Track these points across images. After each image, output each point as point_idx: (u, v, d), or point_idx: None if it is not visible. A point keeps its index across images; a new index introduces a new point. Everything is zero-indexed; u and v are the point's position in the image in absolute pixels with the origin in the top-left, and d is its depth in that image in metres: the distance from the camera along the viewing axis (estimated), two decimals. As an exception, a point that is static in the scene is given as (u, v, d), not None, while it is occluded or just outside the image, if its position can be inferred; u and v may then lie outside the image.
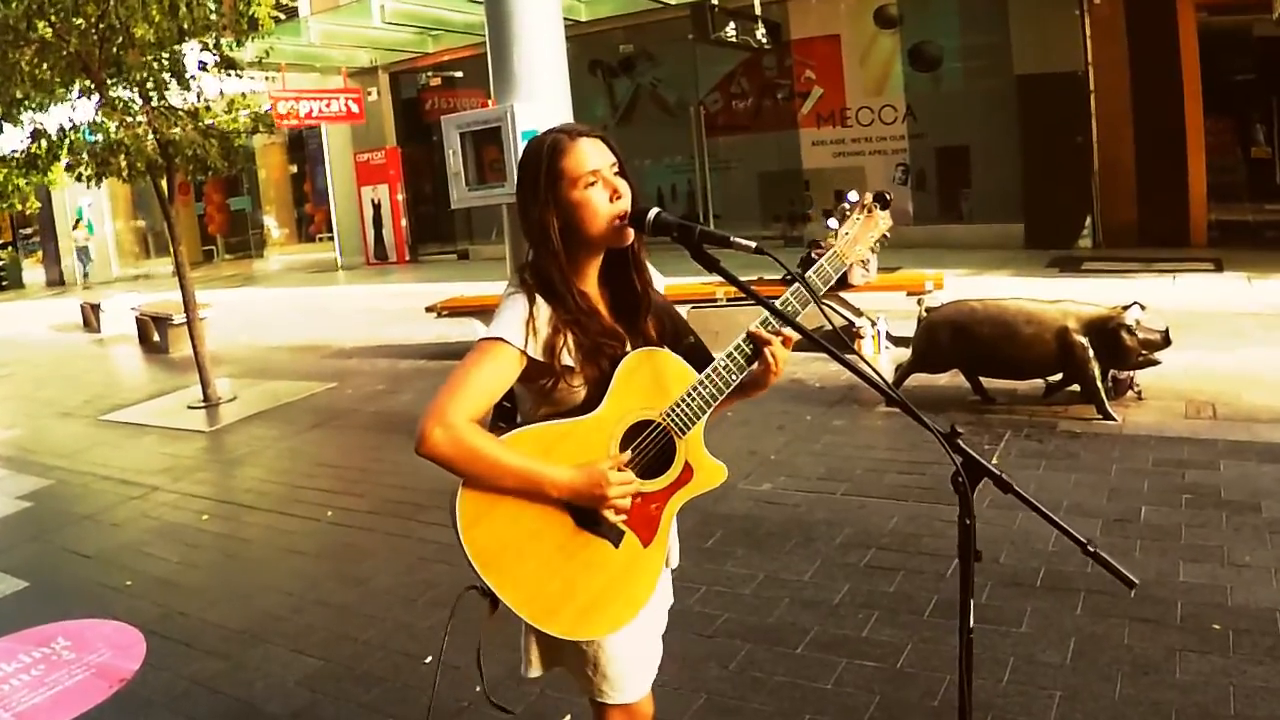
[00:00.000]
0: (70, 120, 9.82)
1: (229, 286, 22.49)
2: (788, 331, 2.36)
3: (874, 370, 2.25)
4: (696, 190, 19.57)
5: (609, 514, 2.28)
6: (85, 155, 9.77)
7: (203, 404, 10.01)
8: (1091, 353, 6.70)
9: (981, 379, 7.44)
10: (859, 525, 5.42)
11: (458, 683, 4.01)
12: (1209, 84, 14.39)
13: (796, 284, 2.35)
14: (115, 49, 8.97)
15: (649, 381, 2.33)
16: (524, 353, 2.22)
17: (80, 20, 8.76)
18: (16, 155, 10.34)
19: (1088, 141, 15.02)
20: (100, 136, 9.51)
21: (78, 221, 27.50)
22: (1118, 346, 6.66)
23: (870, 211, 2.52)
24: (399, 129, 23.46)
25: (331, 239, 25.14)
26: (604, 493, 2.23)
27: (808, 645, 4.20)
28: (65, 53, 8.96)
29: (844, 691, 3.82)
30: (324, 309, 17.11)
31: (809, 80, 17.87)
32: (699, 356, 2.42)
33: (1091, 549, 2.08)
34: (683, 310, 2.93)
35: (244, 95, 10.27)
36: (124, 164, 9.51)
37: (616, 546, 2.31)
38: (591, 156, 2.29)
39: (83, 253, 27.09)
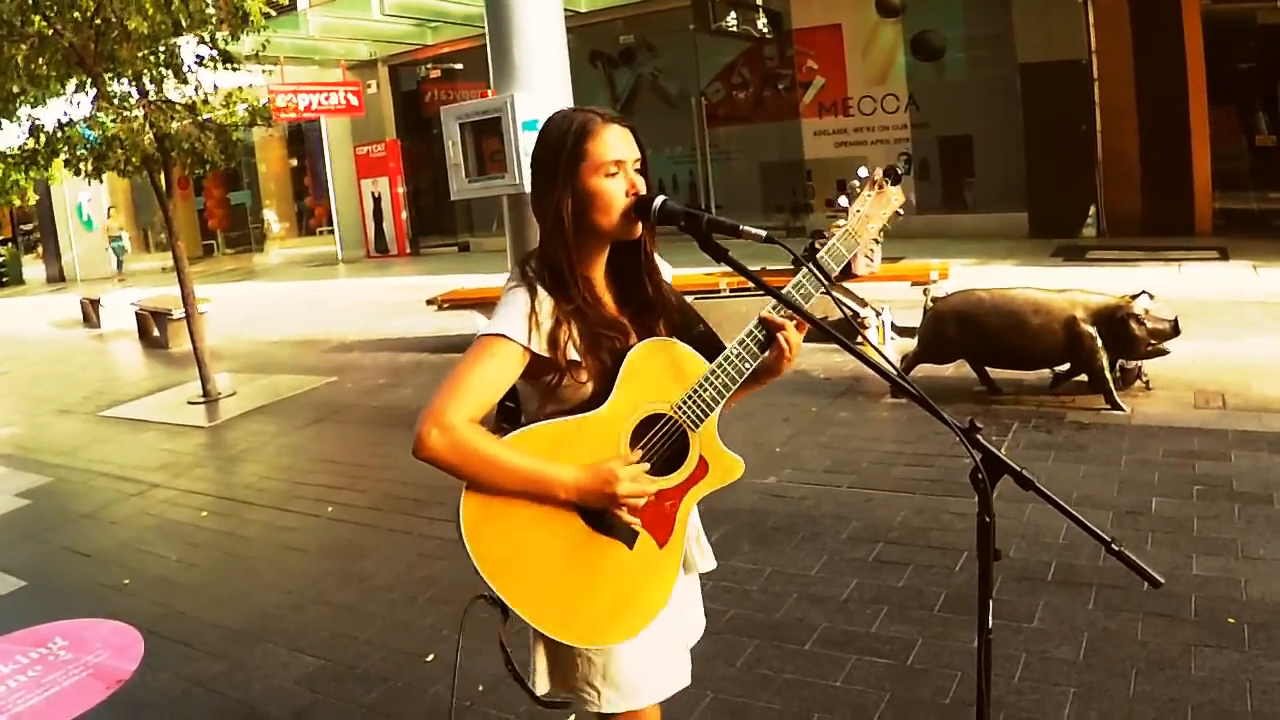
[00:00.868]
0: (66, 115, 9.75)
1: (229, 281, 22.43)
2: (790, 330, 2.27)
3: (889, 363, 2.16)
4: (698, 181, 19.51)
5: (621, 514, 2.16)
6: (82, 150, 9.71)
7: (202, 399, 9.94)
8: (1100, 342, 6.63)
9: (988, 369, 7.36)
10: (866, 519, 5.35)
11: (460, 683, 3.94)
12: (1213, 72, 14.31)
13: (807, 268, 2.26)
14: (110, 43, 8.89)
15: (659, 373, 2.22)
16: (527, 348, 2.11)
17: (75, 14, 8.68)
18: (14, 151, 10.28)
19: (1091, 130, 14.97)
20: (97, 131, 9.44)
21: (111, 210, 27.50)
22: (1126, 336, 6.59)
23: (881, 187, 2.41)
24: (399, 122, 23.41)
25: (332, 232, 25.11)
26: (614, 491, 2.11)
27: (816, 642, 4.12)
28: (61, 47, 8.89)
29: (853, 689, 3.75)
30: (324, 303, 17.07)
31: (811, 70, 17.79)
32: (709, 345, 2.31)
33: (1115, 547, 2.00)
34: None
35: (241, 89, 10.20)
36: (121, 158, 9.44)
37: (631, 548, 2.20)
38: (618, 146, 2.19)
39: (116, 243, 26.90)
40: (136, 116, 9.27)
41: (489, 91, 6.21)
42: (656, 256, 2.36)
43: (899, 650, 3.98)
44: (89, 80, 9.30)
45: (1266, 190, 15.99)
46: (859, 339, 2.25)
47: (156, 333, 14.33)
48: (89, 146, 9.65)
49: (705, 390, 2.21)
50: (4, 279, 28.71)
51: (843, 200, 2.40)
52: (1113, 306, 6.65)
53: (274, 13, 10.19)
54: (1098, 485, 5.46)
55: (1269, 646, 3.74)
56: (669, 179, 19.57)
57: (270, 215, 29.88)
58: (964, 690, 3.64)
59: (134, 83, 9.33)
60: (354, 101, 21.20)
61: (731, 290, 9.21)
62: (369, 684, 4.16)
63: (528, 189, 5.74)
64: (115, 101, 9.29)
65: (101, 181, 10.93)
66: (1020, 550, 4.74)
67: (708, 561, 2.50)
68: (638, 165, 2.22)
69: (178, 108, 9.57)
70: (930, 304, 7.35)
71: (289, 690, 4.19)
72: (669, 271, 2.44)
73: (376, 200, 23.19)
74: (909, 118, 16.99)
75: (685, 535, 2.32)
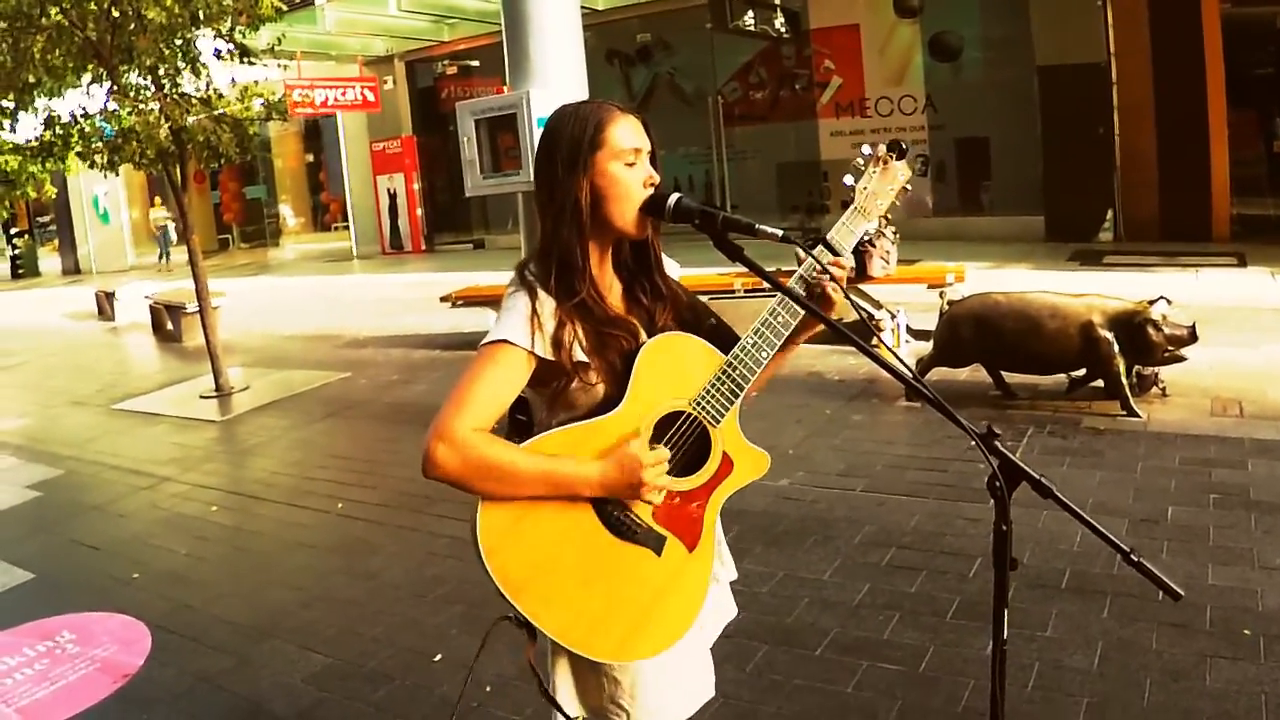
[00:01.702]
0: (82, 108, 9.76)
1: (244, 275, 22.46)
2: (842, 260, 2.22)
3: (905, 367, 2.12)
4: (714, 181, 19.45)
5: (652, 497, 2.07)
6: (98, 142, 9.73)
7: (215, 393, 9.95)
8: (1117, 348, 6.58)
9: (1004, 374, 7.31)
10: (879, 523, 5.31)
11: (468, 683, 3.91)
12: (1232, 76, 14.21)
13: (820, 247, 2.21)
14: (127, 35, 8.89)
15: (674, 370, 2.15)
16: (531, 353, 2.05)
17: (93, 5, 8.68)
18: (31, 143, 10.30)
19: (1109, 134, 14.85)
20: (113, 124, 9.45)
21: (156, 199, 27.55)
22: (1144, 342, 6.53)
23: (886, 163, 2.35)
24: (415, 118, 23.40)
25: (347, 228, 25.13)
26: (641, 476, 2.01)
27: (827, 647, 4.09)
28: (77, 38, 8.90)
29: (864, 696, 3.71)
30: (338, 298, 17.08)
31: (828, 70, 17.72)
32: (723, 339, 2.23)
33: (1135, 558, 1.95)
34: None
35: (257, 82, 10.19)
36: (136, 151, 9.45)
37: (659, 555, 2.12)
38: (636, 136, 2.15)
39: (163, 233, 26.88)
40: (152, 110, 9.27)
41: (505, 88, 6.19)
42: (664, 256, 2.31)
43: (911, 657, 3.94)
44: (105, 73, 9.30)
45: (1285, 197, 15.88)
46: (874, 341, 2.21)
47: (170, 326, 14.36)
48: (104, 139, 9.67)
49: (723, 384, 2.15)
50: (20, 271, 28.79)
51: (848, 179, 2.35)
52: (1130, 312, 6.60)
53: (285, 7, 10.17)
54: (1113, 492, 5.41)
55: (1286, 658, 3.69)
56: (685, 178, 19.50)
57: (285, 210, 29.92)
58: (976, 698, 3.61)
59: (150, 76, 9.32)
60: (370, 97, 21.21)
61: (746, 290, 9.17)
62: (376, 683, 4.13)
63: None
64: (131, 94, 9.29)
65: (117, 174, 10.94)
66: (1034, 557, 4.69)
67: (729, 571, 2.42)
68: (650, 157, 2.18)
69: (193, 101, 9.57)
70: (946, 307, 7.30)
71: (296, 688, 4.17)
72: (677, 271, 2.39)
73: (392, 196, 23.20)
74: (926, 119, 16.90)
75: (714, 538, 2.25)
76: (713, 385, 2.15)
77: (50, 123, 9.83)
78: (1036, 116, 15.47)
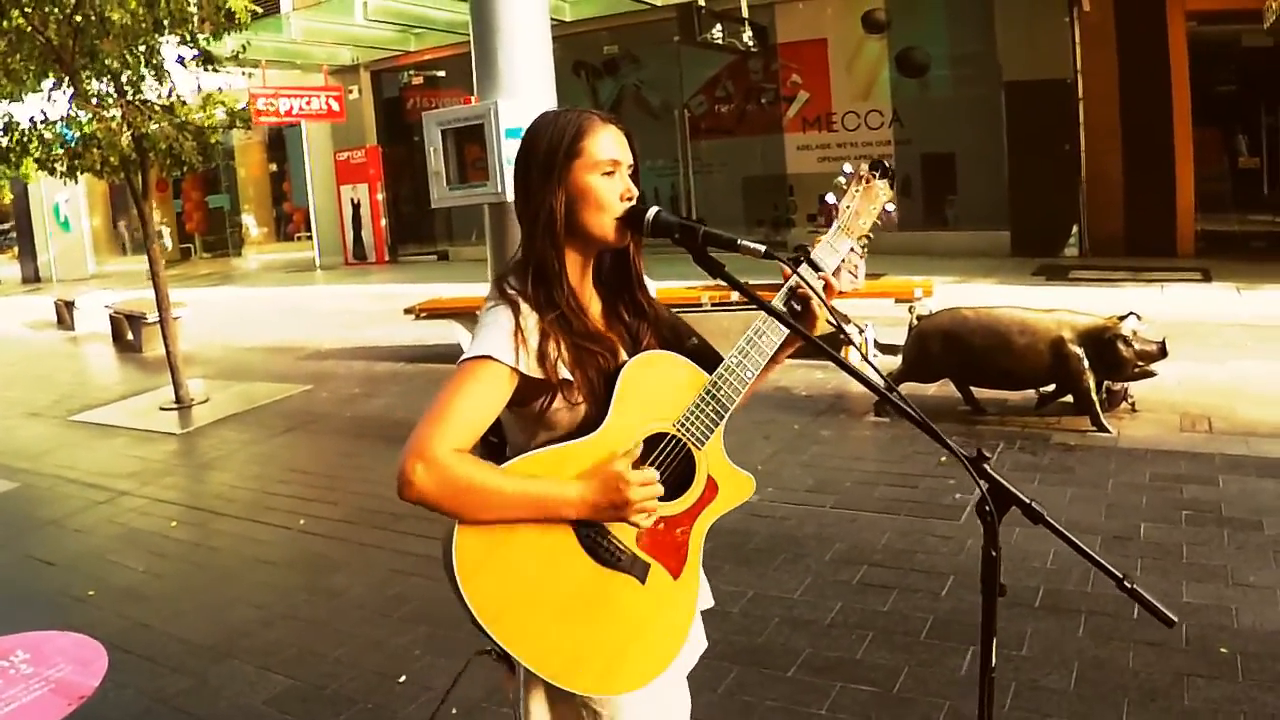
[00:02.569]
0: (43, 113, 9.60)
1: (205, 285, 22.23)
2: (830, 279, 2.18)
3: (893, 389, 2.04)
4: (680, 194, 19.43)
5: (639, 519, 1.98)
6: (58, 149, 9.58)
7: (175, 405, 9.78)
8: (1087, 363, 6.57)
9: (973, 389, 7.29)
10: (850, 540, 5.25)
11: (433, 706, 3.82)
12: (1197, 93, 14.34)
13: (803, 264, 2.16)
14: (90, 38, 8.75)
15: (657, 389, 2.07)
16: (515, 369, 1.95)
17: (55, 9, 8.54)
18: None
19: (1075, 149, 14.96)
20: (74, 130, 9.30)
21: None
22: (1114, 357, 6.53)
23: (869, 181, 2.30)
24: (380, 128, 23.29)
25: (310, 238, 24.91)
26: (626, 495, 1.92)
27: (800, 668, 4.02)
28: (38, 43, 8.75)
29: (838, 718, 3.65)
30: (301, 309, 16.90)
31: (795, 84, 17.76)
32: (705, 358, 2.16)
33: (1128, 585, 1.90)
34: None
35: (220, 90, 10.07)
36: (98, 159, 9.31)
37: (643, 583, 2.04)
38: (614, 147, 2.08)
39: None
40: (114, 116, 9.13)
41: (472, 98, 6.10)
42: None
43: (885, 678, 3.89)
44: (66, 79, 9.15)
45: (1248, 212, 16.05)
46: (857, 359, 2.15)
47: (130, 336, 14.17)
48: (65, 145, 9.52)
49: (708, 404, 2.07)
50: (-22, 279, 28.42)
51: (830, 197, 2.30)
52: (1100, 327, 6.59)
53: (260, 10, 10.07)
54: (1085, 509, 5.38)
55: (1262, 677, 3.67)
56: (650, 191, 19.44)
57: (248, 220, 29.65)
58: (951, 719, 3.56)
59: (112, 82, 9.18)
60: (335, 107, 21.05)
61: (714, 304, 9.11)
62: (338, 705, 4.02)
63: (509, 198, 5.64)
64: (93, 101, 9.15)
65: (77, 182, 10.77)
66: (1008, 575, 4.49)
67: (705, 599, 2.33)
68: (631, 171, 2.11)
69: (156, 108, 9.43)
70: (915, 322, 7.27)
71: (256, 711, 4.06)
72: (651, 285, 2.32)
73: (356, 207, 23.04)
74: (893, 134, 16.96)
75: (700, 565, 2.17)
76: (697, 406, 2.07)
77: (8, 129, 9.66)
78: (1003, 132, 15.54)
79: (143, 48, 9.14)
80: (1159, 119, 14.23)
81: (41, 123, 9.56)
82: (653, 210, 2.04)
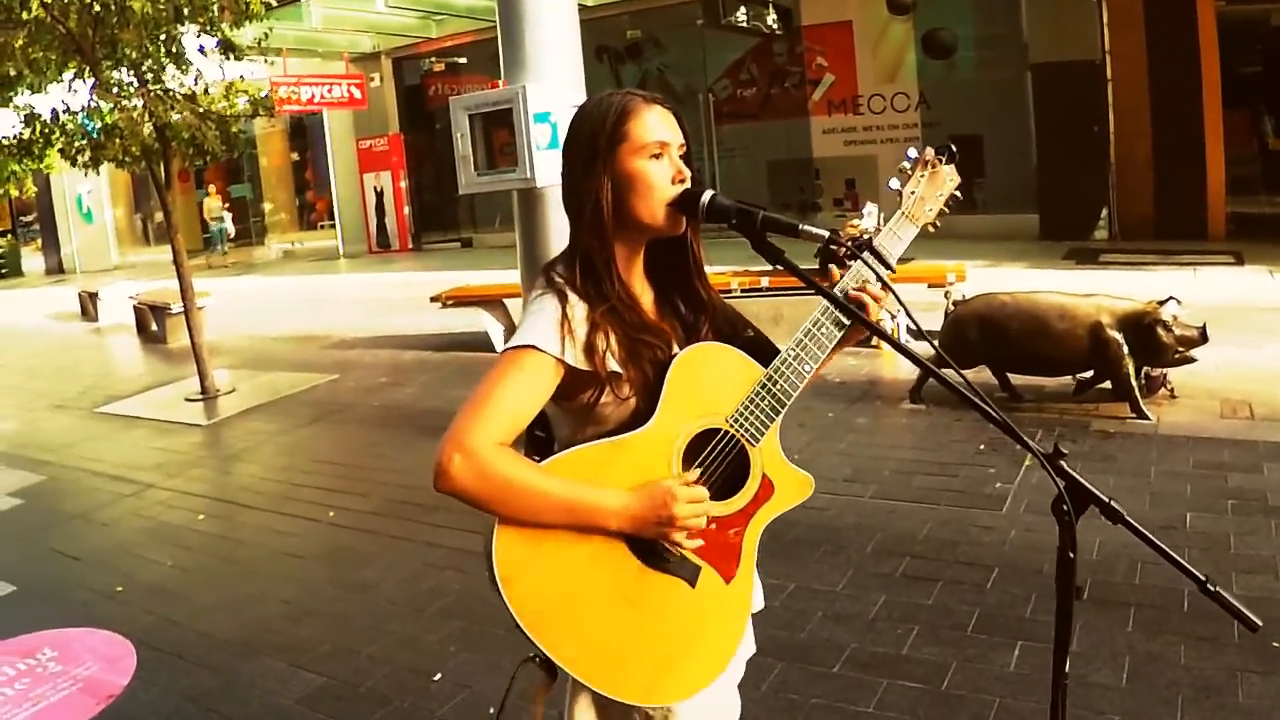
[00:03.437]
0: (64, 104, 9.56)
1: (229, 275, 22.24)
2: (873, 290, 2.05)
3: (970, 386, 1.94)
4: (704, 179, 19.21)
5: (680, 539, 1.89)
6: (80, 140, 9.54)
7: (200, 396, 9.75)
8: (1126, 349, 6.44)
9: (1009, 375, 7.16)
10: (890, 531, 5.14)
11: (470, 705, 3.74)
12: (1227, 74, 14.12)
13: (862, 257, 2.05)
14: (110, 28, 8.69)
15: (710, 383, 1.96)
16: (560, 360, 1.85)
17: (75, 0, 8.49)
18: (10, 140, 10.07)
19: (1104, 132, 14.75)
20: (95, 121, 9.25)
21: (210, 188, 26.85)
22: (1154, 343, 6.39)
23: (935, 167, 2.17)
24: (402, 115, 23.25)
25: (333, 227, 24.90)
26: (671, 513, 1.83)
27: (845, 664, 3.92)
28: (59, 32, 8.69)
29: (886, 716, 3.55)
30: (325, 298, 16.89)
31: (820, 67, 17.60)
32: (761, 352, 2.04)
33: (1211, 587, 1.79)
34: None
35: (242, 78, 10.01)
36: (119, 149, 9.26)
37: (693, 586, 1.93)
38: (661, 127, 1.97)
39: (218, 225, 26.03)
40: (135, 106, 9.08)
41: (500, 82, 6.01)
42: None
43: (932, 674, 3.78)
44: (87, 69, 9.10)
45: (1279, 194, 15.81)
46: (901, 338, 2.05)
47: (154, 327, 14.15)
48: (86, 136, 9.47)
49: (764, 399, 1.96)
50: (3, 271, 28.44)
51: (893, 183, 2.18)
52: (1140, 312, 6.46)
53: (275, 2, 10.00)
54: (1128, 499, 5.25)
55: (1319, 673, 3.54)
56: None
57: (227, 215, 29.63)
58: (1002, 718, 3.46)
59: (133, 71, 9.13)
60: (356, 94, 21.02)
61: (743, 290, 9.00)
62: (372, 705, 3.94)
63: (539, 183, 5.55)
64: (114, 90, 9.09)
65: (99, 173, 10.73)
66: (1053, 566, 4.49)
67: (757, 601, 2.21)
68: (682, 151, 2.00)
69: (177, 98, 9.37)
70: (951, 307, 7.15)
71: (288, 710, 3.98)
72: None
73: (379, 195, 23.02)
74: (919, 116, 16.80)
75: (754, 568, 2.06)
76: (752, 401, 1.96)
77: (31, 120, 9.62)
78: (1031, 114, 15.37)
79: (163, 37, 9.08)
80: (1189, 100, 14.01)
81: (64, 113, 9.51)
82: (708, 194, 1.93)
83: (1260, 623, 1.87)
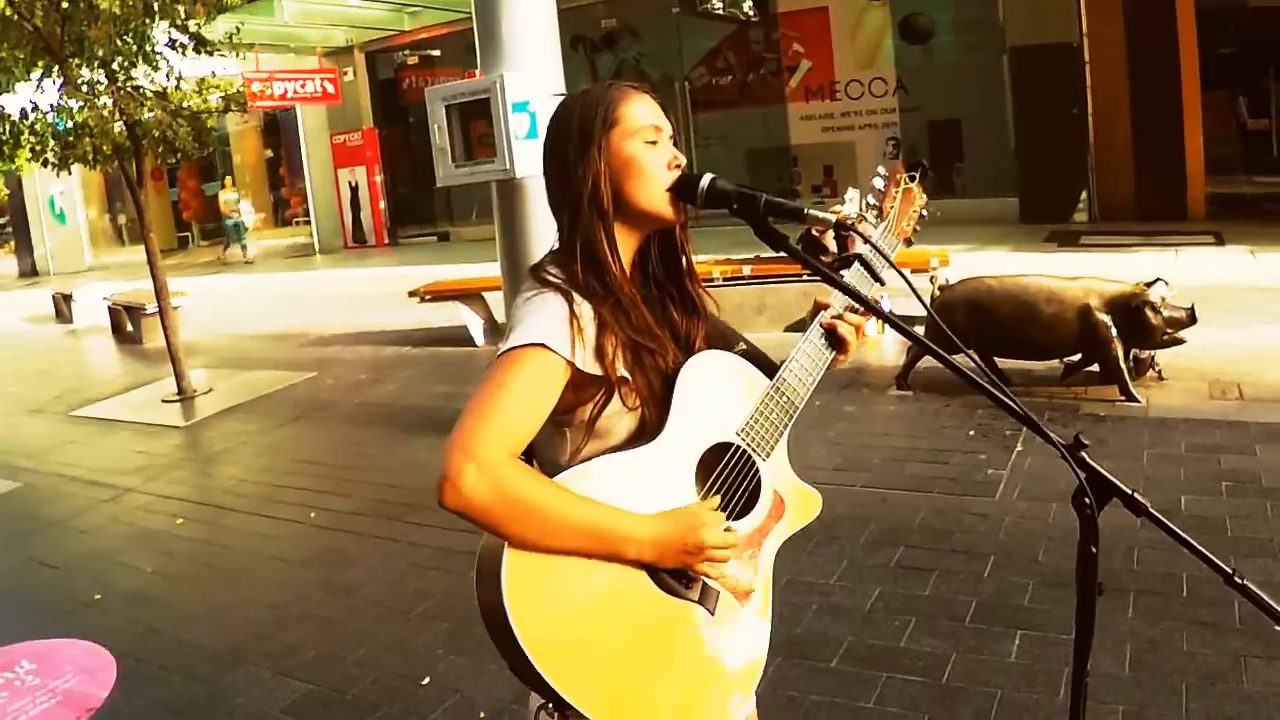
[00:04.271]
0: (33, 103, 9.40)
1: (204, 273, 22.05)
2: (855, 320, 1.95)
3: (990, 374, 1.85)
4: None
5: (707, 570, 1.75)
6: (50, 139, 9.39)
7: (177, 397, 9.60)
8: (1115, 332, 6.38)
9: (997, 359, 7.10)
10: (884, 521, 5.07)
11: (460, 709, 3.66)
12: (1205, 55, 14.14)
13: (857, 261, 1.97)
14: (78, 25, 8.54)
15: (717, 393, 1.84)
16: (570, 363, 1.67)
17: (43, -2, 8.36)
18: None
19: (1083, 114, 14.76)
20: (64, 118, 9.11)
21: (227, 179, 25.91)
22: (1143, 325, 6.34)
23: (907, 186, 2.12)
24: (376, 109, 23.16)
25: (308, 223, 24.72)
26: (700, 541, 1.68)
27: (843, 658, 3.84)
28: (26, 31, 8.54)
29: (888, 711, 3.48)
30: (302, 295, 16.75)
31: (797, 54, 17.59)
32: (756, 365, 1.94)
33: (1239, 580, 1.73)
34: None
35: (214, 74, 9.87)
36: (90, 148, 9.11)
37: (713, 614, 1.78)
38: (654, 113, 1.86)
39: (232, 220, 24.63)
40: (105, 104, 8.94)
41: (476, 72, 5.90)
42: None
43: (932, 667, 3.71)
44: (56, 67, 8.95)
45: (1258, 174, 15.85)
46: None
47: (130, 328, 14.00)
48: (56, 135, 9.32)
49: (772, 409, 1.86)
50: (-26, 273, 28.24)
51: (870, 199, 2.11)
52: (1128, 295, 6.41)
53: (247, -5, 9.89)
54: (1123, 481, 5.19)
55: (1322, 658, 3.49)
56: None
57: (246, 206, 29.44)
58: (1005, 710, 3.40)
59: (102, 69, 8.98)
60: (330, 89, 20.84)
61: (725, 279, 8.93)
62: (361, 711, 3.84)
63: (518, 174, 5.44)
64: (83, 88, 8.95)
65: (70, 172, 10.56)
66: (1049, 553, 4.50)
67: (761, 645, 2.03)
68: (673, 139, 1.89)
69: (148, 95, 9.22)
70: (937, 293, 7.08)
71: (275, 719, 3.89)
72: None
73: (354, 190, 22.90)
74: (897, 102, 16.82)
75: (770, 593, 1.92)
76: (761, 412, 1.86)
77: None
78: (1009, 98, 15.39)
79: (132, 33, 8.94)
80: (1167, 82, 14.06)
81: (33, 111, 9.36)
82: (707, 177, 1.82)
83: (1290, 615, 1.80)
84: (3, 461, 8.29)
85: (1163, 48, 13.98)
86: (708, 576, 1.78)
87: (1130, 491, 1.74)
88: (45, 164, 9.64)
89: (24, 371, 12.98)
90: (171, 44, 9.26)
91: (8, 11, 8.34)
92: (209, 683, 4.22)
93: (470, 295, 10.52)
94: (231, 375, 10.56)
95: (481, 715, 3.67)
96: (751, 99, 18.40)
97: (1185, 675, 3.50)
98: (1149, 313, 6.30)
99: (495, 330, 10.47)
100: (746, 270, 9.01)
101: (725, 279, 8.93)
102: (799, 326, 9.71)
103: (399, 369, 10.07)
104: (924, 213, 2.15)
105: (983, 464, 5.65)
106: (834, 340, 1.95)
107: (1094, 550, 1.75)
